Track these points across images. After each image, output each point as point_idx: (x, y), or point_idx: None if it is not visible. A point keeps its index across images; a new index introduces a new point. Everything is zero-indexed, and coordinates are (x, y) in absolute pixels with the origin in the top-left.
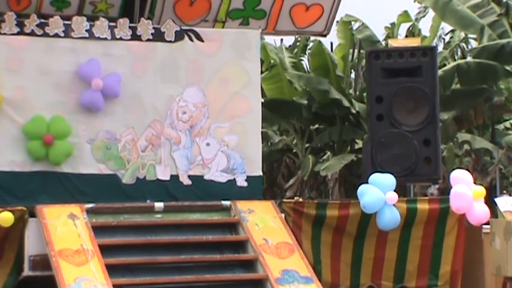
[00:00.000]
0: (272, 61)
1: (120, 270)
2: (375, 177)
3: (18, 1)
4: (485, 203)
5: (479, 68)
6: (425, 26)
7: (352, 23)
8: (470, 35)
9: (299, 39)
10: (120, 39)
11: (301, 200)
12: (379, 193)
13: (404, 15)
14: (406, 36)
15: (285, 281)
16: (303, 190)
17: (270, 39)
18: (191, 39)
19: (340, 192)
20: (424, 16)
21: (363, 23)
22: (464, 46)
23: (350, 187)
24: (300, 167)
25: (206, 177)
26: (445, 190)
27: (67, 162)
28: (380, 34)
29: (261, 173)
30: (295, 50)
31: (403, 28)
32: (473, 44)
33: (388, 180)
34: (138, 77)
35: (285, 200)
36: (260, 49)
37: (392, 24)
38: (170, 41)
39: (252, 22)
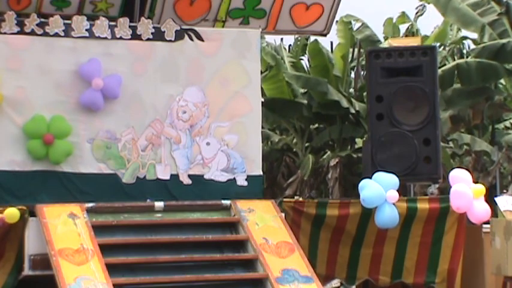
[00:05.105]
0: (270, 62)
1: (120, 270)
2: (379, 175)
3: (19, 0)
4: (486, 202)
5: (479, 68)
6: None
7: (353, 22)
8: (469, 35)
9: (299, 38)
10: (120, 38)
11: (301, 199)
12: (380, 189)
13: (402, 17)
14: (406, 35)
15: (285, 281)
16: (303, 189)
17: (270, 38)
18: (191, 39)
19: (340, 192)
20: (421, 15)
21: (363, 23)
22: (465, 45)
23: (350, 186)
24: (300, 166)
25: (206, 176)
26: (445, 189)
27: (67, 161)
28: (381, 32)
29: (261, 173)
30: (296, 49)
31: (403, 28)
32: (470, 42)
33: (391, 179)
34: (138, 76)
35: (285, 200)
36: (260, 49)
37: (390, 23)
38: (170, 41)
39: (252, 21)
